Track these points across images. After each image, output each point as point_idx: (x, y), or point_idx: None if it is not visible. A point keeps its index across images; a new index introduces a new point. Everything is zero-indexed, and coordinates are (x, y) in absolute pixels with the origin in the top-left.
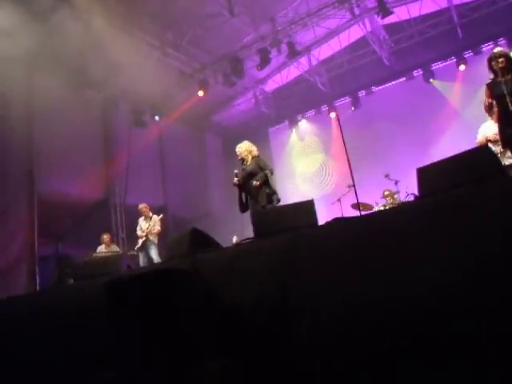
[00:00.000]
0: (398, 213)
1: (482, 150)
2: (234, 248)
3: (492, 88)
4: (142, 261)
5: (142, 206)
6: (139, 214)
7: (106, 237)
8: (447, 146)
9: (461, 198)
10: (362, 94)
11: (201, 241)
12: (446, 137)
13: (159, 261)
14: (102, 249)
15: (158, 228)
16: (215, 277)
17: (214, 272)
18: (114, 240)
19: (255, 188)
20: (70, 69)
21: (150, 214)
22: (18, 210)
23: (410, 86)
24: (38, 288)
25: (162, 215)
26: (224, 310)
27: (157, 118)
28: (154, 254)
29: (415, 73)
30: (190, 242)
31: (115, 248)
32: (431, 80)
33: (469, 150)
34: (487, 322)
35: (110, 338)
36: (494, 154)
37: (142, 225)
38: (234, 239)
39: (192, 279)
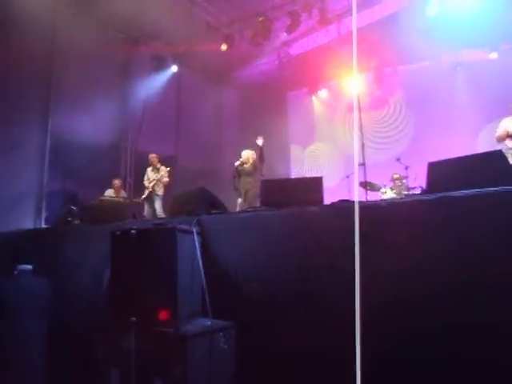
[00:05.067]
0: (401, 206)
1: (495, 154)
2: (240, 215)
3: None
4: (146, 211)
5: (152, 155)
6: (148, 164)
7: (117, 182)
8: (466, 139)
9: (467, 200)
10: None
11: (207, 201)
12: (465, 129)
13: (162, 214)
14: (110, 193)
15: (166, 179)
16: (217, 241)
17: (217, 236)
18: (123, 186)
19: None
20: (94, 7)
21: (159, 165)
22: (29, 142)
23: (439, 69)
24: (43, 223)
25: (169, 168)
26: (219, 275)
27: (176, 67)
28: (158, 206)
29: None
30: (197, 202)
31: (123, 194)
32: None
33: (481, 153)
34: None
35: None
36: (506, 159)
37: (150, 175)
38: (239, 201)
39: (194, 241)
